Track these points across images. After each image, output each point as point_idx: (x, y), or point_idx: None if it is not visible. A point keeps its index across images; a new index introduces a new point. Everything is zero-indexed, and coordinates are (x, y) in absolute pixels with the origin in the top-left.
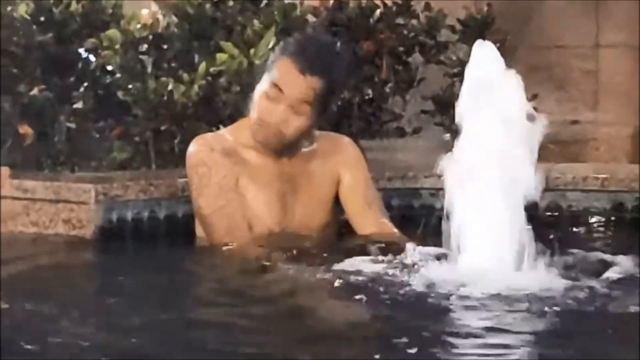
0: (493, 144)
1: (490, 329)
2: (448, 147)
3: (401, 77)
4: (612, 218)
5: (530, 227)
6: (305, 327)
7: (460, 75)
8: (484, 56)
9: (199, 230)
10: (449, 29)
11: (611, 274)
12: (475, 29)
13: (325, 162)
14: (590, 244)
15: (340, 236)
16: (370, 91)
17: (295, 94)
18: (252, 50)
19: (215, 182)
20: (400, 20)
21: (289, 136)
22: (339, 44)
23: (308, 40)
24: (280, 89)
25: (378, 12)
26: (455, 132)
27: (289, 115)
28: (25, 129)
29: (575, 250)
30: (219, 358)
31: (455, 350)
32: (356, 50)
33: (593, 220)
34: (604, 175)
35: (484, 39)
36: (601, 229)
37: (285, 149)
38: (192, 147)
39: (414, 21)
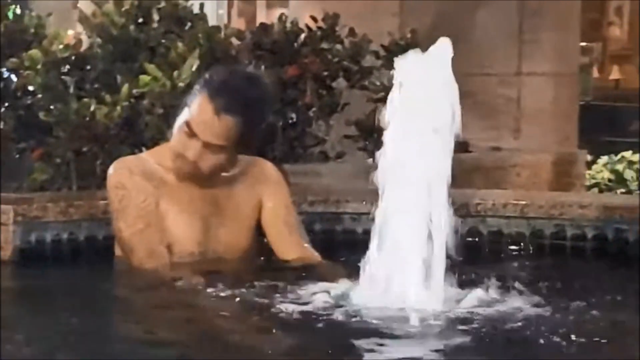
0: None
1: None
2: (371, 172)
3: (325, 102)
4: (531, 245)
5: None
6: (215, 353)
7: (384, 101)
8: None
9: (119, 251)
10: (373, 55)
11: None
12: (399, 54)
13: (248, 187)
14: (504, 270)
15: (261, 260)
16: (294, 115)
17: (208, 136)
18: (175, 73)
19: (135, 205)
20: (324, 45)
21: (205, 171)
22: (261, 79)
23: (227, 78)
24: (195, 129)
25: (302, 36)
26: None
27: (204, 152)
28: None
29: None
30: None
31: None
32: (280, 74)
33: (512, 246)
34: (524, 202)
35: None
36: (519, 255)
37: (203, 179)
38: (112, 170)
39: (339, 46)
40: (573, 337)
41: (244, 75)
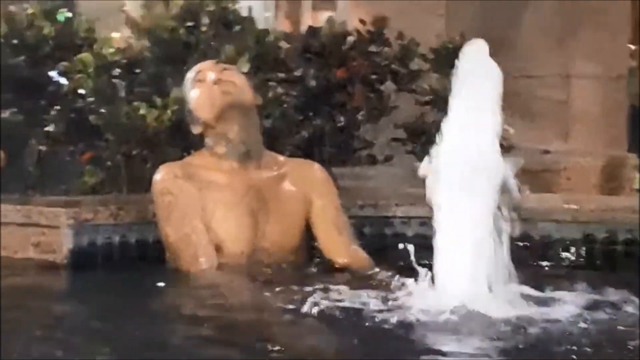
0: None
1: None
2: (418, 175)
3: (373, 105)
4: (583, 249)
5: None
6: (270, 357)
7: (432, 104)
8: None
9: (171, 255)
10: (421, 58)
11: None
12: (447, 57)
13: (296, 185)
14: (558, 275)
15: (312, 262)
16: (342, 118)
17: (213, 69)
18: None
19: (181, 210)
20: (373, 48)
21: (234, 91)
22: None
23: None
24: (199, 78)
25: (351, 39)
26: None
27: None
28: None
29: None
30: None
31: None
32: (329, 78)
33: (563, 250)
34: (575, 206)
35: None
36: (571, 259)
37: (249, 152)
38: (157, 175)
39: (387, 49)
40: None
41: None
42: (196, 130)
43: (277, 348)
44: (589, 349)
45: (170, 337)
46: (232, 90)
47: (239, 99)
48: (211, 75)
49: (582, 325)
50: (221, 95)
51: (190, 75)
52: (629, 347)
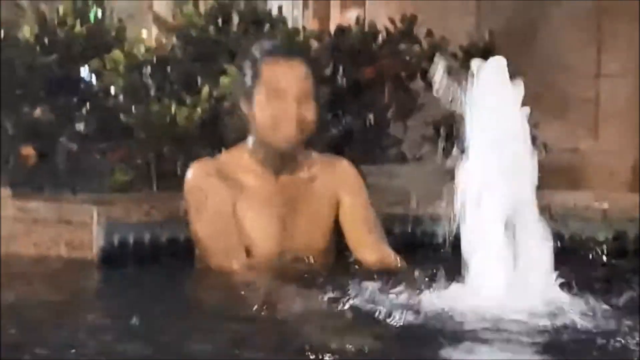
0: (498, 166)
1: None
2: (449, 173)
3: (403, 103)
4: (613, 248)
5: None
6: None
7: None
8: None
9: (201, 253)
10: (451, 56)
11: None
12: (477, 55)
13: (326, 184)
14: (590, 273)
15: (341, 262)
16: (371, 116)
17: (295, 88)
18: None
19: (212, 207)
20: (402, 47)
21: (311, 122)
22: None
23: (268, 42)
24: (286, 88)
25: (380, 38)
26: (455, 157)
27: (299, 105)
28: (27, 151)
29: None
30: None
31: None
32: (358, 76)
33: (594, 249)
34: (605, 205)
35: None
36: (602, 258)
37: (287, 160)
38: (189, 173)
39: (416, 47)
40: None
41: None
42: (245, 114)
43: (309, 346)
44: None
45: (201, 335)
46: (309, 119)
47: (311, 128)
48: (293, 100)
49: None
50: (299, 122)
51: (263, 70)
52: None
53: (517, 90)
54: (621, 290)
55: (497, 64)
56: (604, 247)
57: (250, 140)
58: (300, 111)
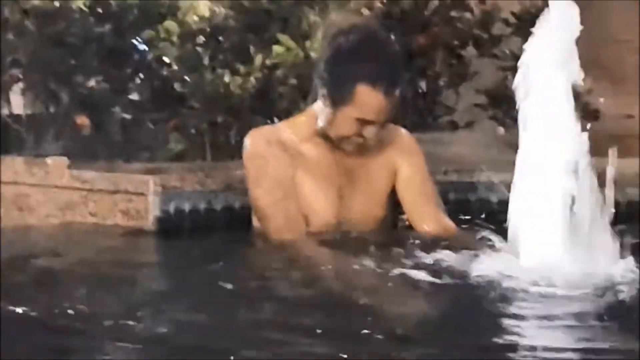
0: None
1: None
2: (501, 141)
3: (455, 71)
4: None
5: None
6: (358, 323)
7: (514, 70)
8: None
9: (256, 222)
10: (503, 23)
11: None
12: (530, 22)
13: (383, 154)
14: None
15: (398, 231)
16: (423, 84)
17: (383, 118)
18: (307, 43)
19: (272, 174)
20: (454, 14)
21: (372, 142)
22: (393, 40)
23: (377, 58)
24: (370, 119)
25: (432, 5)
26: (508, 125)
27: (378, 130)
28: (82, 120)
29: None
30: (274, 352)
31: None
32: (410, 44)
33: None
34: None
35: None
36: None
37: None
38: (249, 140)
39: (468, 14)
40: None
41: (386, 47)
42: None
43: (369, 312)
44: None
45: (259, 303)
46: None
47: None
48: (374, 127)
49: None
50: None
51: (359, 91)
52: None
53: (571, 55)
54: None
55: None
56: None
57: (313, 113)
58: (372, 134)
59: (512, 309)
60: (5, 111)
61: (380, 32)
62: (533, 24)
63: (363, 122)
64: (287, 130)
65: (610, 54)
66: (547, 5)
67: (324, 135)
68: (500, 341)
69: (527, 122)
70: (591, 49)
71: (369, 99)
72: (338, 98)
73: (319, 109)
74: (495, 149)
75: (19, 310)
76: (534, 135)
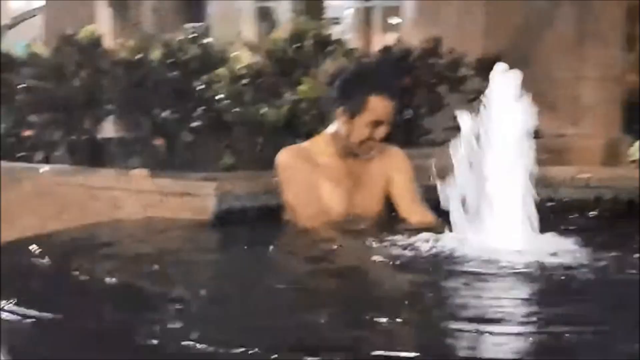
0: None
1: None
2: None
3: (431, 103)
4: (594, 208)
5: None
6: (355, 287)
7: (476, 101)
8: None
9: (288, 215)
10: (467, 67)
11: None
12: (488, 66)
13: (380, 165)
14: (575, 227)
15: (388, 221)
16: (410, 112)
17: (390, 117)
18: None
19: (299, 181)
20: (431, 61)
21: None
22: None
23: (377, 75)
24: (382, 120)
25: (415, 54)
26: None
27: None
28: (158, 141)
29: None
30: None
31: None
32: (400, 83)
33: (578, 209)
34: (587, 175)
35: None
36: (585, 216)
37: (353, 151)
38: (280, 156)
39: (441, 61)
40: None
41: (385, 63)
42: (342, 108)
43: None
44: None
45: (291, 271)
46: (380, 139)
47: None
48: (384, 127)
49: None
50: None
51: (369, 98)
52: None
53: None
54: (599, 235)
55: (509, 73)
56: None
57: (330, 133)
58: (383, 133)
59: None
60: (101, 135)
61: (377, 62)
62: (490, 68)
63: (375, 124)
64: (309, 147)
65: (547, 88)
66: (498, 56)
67: (337, 149)
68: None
69: (489, 139)
70: (532, 85)
71: (379, 104)
72: (355, 109)
73: (333, 128)
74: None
75: (112, 279)
76: (495, 149)
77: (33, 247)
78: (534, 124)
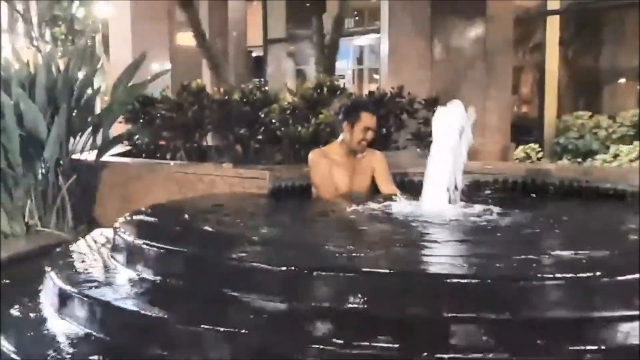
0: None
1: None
2: (418, 156)
3: (397, 124)
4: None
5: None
6: (351, 228)
7: (424, 124)
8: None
9: (314, 192)
10: (418, 104)
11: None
12: (431, 103)
13: (368, 162)
14: (487, 198)
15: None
16: (384, 130)
17: (374, 126)
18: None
19: (321, 170)
20: (397, 99)
21: (360, 149)
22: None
23: (365, 102)
24: (370, 127)
25: (387, 96)
26: (423, 149)
27: (373, 133)
28: (238, 147)
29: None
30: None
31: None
32: (379, 113)
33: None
34: (490, 166)
35: (435, 107)
36: (494, 193)
37: (357, 152)
38: (310, 155)
39: (404, 99)
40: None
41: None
42: (344, 128)
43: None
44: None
45: (320, 224)
46: (372, 138)
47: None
48: (372, 132)
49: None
50: (370, 141)
51: (362, 114)
52: None
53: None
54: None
55: (451, 106)
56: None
57: (339, 141)
58: (371, 136)
59: (421, 229)
60: (205, 143)
61: (365, 99)
62: (432, 104)
63: (366, 130)
64: (327, 149)
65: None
66: (438, 96)
67: (343, 151)
68: (415, 251)
69: (436, 144)
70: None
71: (368, 117)
72: (353, 120)
73: (341, 138)
74: (417, 159)
75: (209, 228)
76: (439, 149)
77: (169, 208)
78: (463, 135)
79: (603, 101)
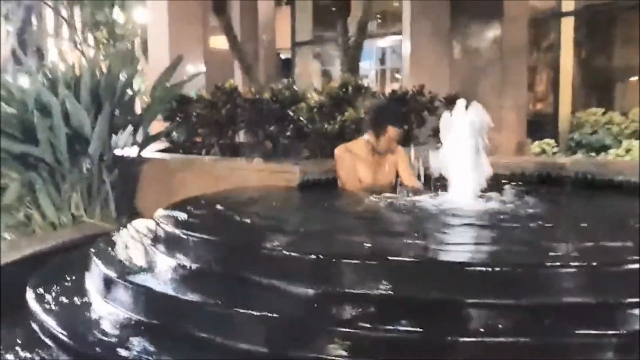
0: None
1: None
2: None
3: (418, 121)
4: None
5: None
6: (375, 223)
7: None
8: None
9: (340, 185)
10: (438, 101)
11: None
12: (450, 101)
13: (391, 157)
14: (510, 190)
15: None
16: (406, 127)
17: (399, 137)
18: (360, 111)
19: (346, 165)
20: (418, 97)
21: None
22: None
23: (393, 113)
24: (395, 139)
25: (409, 94)
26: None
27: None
28: (266, 144)
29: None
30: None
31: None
32: (403, 110)
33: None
34: (507, 161)
35: (454, 104)
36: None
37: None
38: (337, 150)
39: (424, 98)
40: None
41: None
42: (371, 130)
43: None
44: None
45: (346, 213)
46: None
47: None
48: (395, 143)
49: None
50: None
51: (389, 128)
52: None
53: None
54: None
55: (466, 104)
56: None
57: (364, 139)
58: (395, 146)
59: (447, 220)
60: (237, 140)
61: (389, 101)
62: (452, 102)
63: (392, 141)
64: (352, 145)
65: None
66: (458, 94)
67: (368, 149)
68: (437, 238)
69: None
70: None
71: (394, 132)
72: (380, 133)
73: (366, 137)
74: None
75: (243, 219)
76: (456, 142)
77: (205, 200)
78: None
79: (615, 98)
